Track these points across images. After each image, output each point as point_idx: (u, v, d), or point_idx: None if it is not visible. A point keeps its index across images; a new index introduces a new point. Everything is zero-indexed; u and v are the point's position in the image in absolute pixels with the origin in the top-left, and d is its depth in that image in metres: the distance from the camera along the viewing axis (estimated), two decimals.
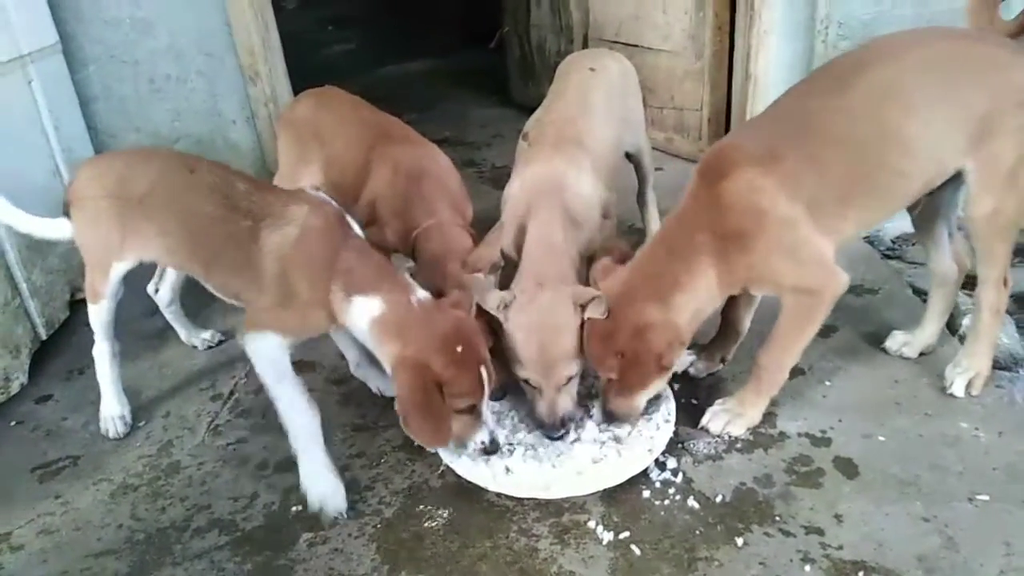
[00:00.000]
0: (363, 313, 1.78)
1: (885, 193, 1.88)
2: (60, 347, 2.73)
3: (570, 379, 1.96)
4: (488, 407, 1.85)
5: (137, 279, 2.24)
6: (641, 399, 1.93)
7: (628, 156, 2.90)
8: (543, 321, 1.92)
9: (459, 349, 1.74)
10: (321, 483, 1.87)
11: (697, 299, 1.85)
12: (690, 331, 1.89)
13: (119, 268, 2.08)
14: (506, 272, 2.21)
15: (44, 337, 2.69)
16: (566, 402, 1.96)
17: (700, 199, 1.84)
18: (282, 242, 1.81)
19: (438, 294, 1.92)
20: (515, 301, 1.96)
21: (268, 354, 1.86)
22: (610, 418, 1.95)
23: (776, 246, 1.79)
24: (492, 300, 1.96)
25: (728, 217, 1.79)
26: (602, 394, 1.97)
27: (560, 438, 1.96)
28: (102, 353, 2.22)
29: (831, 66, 1.96)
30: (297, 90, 3.37)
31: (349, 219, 1.90)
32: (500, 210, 2.33)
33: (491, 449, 1.84)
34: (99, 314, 2.17)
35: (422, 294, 1.83)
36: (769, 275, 1.84)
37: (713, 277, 1.83)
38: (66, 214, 2.10)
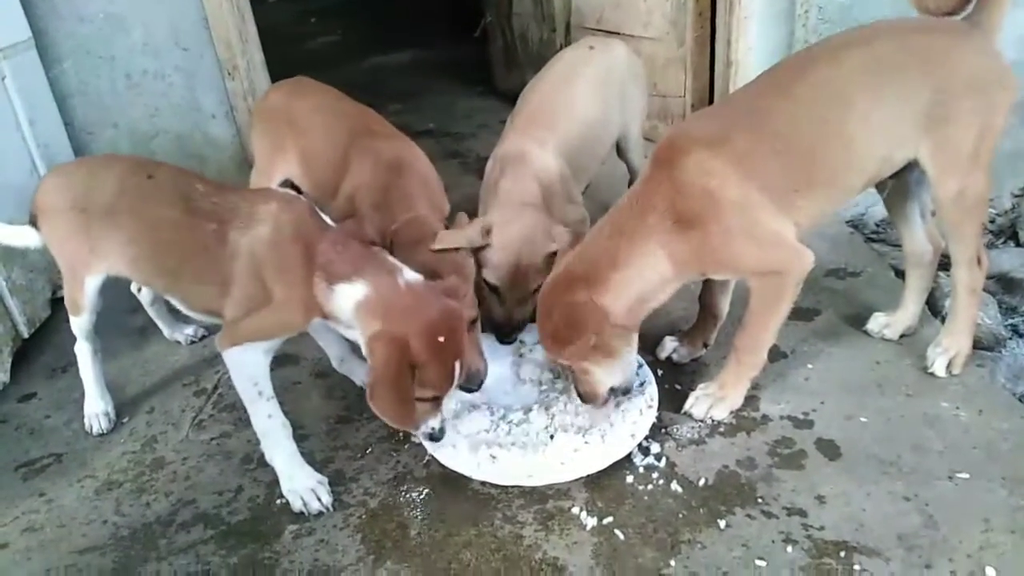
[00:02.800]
0: (347, 299, 1.73)
1: (830, 186, 1.90)
2: (42, 345, 2.71)
3: (532, 295, 2.18)
4: (451, 399, 1.85)
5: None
6: (596, 379, 1.91)
7: (618, 150, 2.91)
8: (523, 235, 2.18)
9: (441, 339, 1.70)
10: (300, 480, 1.88)
11: (641, 280, 1.83)
12: (632, 313, 1.87)
13: (92, 282, 2.05)
14: None
15: (26, 335, 2.67)
16: (522, 312, 2.26)
17: (652, 182, 1.85)
18: (253, 243, 1.76)
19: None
20: (497, 221, 2.19)
21: (249, 370, 1.84)
22: (582, 399, 1.97)
23: (731, 228, 1.80)
24: (474, 229, 2.15)
25: (680, 200, 1.80)
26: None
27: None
28: (84, 352, 2.22)
29: (778, 67, 1.98)
30: None
31: (319, 211, 1.87)
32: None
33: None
34: (80, 324, 2.16)
35: (411, 276, 1.77)
36: (728, 258, 1.85)
37: (664, 259, 1.83)
38: (33, 224, 2.07)
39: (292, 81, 2.77)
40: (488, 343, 2.20)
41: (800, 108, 1.84)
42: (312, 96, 2.67)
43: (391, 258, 1.83)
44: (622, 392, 1.98)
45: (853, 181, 1.91)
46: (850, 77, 1.83)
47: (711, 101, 3.58)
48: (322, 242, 1.77)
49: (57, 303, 2.84)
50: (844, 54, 1.86)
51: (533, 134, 2.42)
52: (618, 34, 3.73)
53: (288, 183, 2.71)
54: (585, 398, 1.95)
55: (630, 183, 3.02)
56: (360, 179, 2.36)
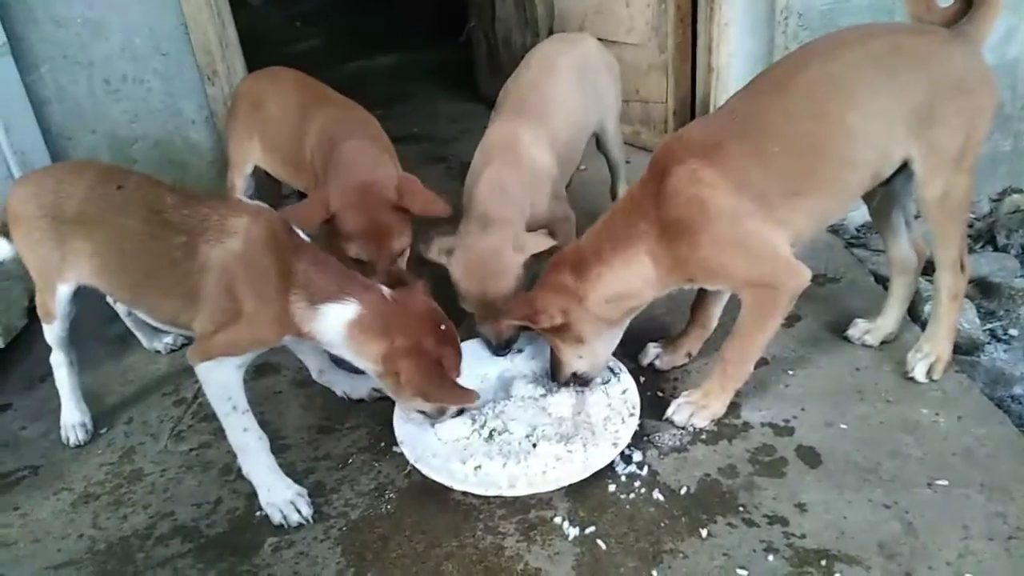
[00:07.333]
0: (336, 320, 1.75)
1: (833, 185, 1.91)
2: (19, 355, 2.67)
3: None
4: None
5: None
6: (564, 358, 2.01)
7: (598, 144, 2.91)
8: (484, 267, 2.12)
9: (443, 327, 1.80)
10: (278, 492, 1.86)
11: (623, 282, 1.89)
12: (609, 307, 1.93)
13: (64, 290, 2.02)
14: None
15: (1, 345, 2.63)
16: (508, 329, 2.16)
17: (646, 189, 1.88)
18: (225, 256, 1.74)
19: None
20: (458, 245, 2.15)
21: (222, 384, 1.83)
22: (555, 374, 2.07)
23: (721, 238, 1.81)
24: (433, 249, 2.16)
25: (671, 207, 1.82)
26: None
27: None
28: (59, 363, 2.19)
29: (775, 66, 2.01)
30: None
31: (293, 225, 1.86)
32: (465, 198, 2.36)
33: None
34: (53, 331, 2.13)
35: (387, 290, 1.83)
36: (719, 269, 1.86)
37: (649, 265, 1.87)
38: (4, 234, 2.04)
39: (264, 70, 2.84)
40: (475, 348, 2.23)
41: (799, 104, 1.85)
42: (279, 77, 2.75)
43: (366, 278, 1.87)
44: (581, 382, 2.05)
45: (856, 177, 1.90)
46: (847, 71, 1.84)
47: (693, 106, 3.59)
48: (299, 260, 1.76)
49: (34, 312, 2.79)
50: (840, 51, 1.88)
51: (524, 121, 2.41)
52: (601, 40, 3.73)
53: (257, 170, 2.76)
54: (552, 372, 2.08)
55: (612, 177, 3.03)
56: (314, 140, 2.39)
